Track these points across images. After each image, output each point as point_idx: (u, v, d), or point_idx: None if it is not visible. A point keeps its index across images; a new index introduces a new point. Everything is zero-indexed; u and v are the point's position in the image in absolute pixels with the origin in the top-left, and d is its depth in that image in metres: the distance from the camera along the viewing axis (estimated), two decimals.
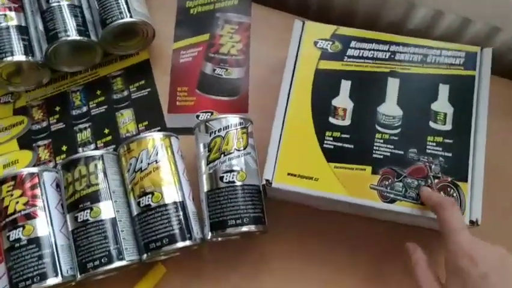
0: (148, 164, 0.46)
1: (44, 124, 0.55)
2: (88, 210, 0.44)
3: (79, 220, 0.44)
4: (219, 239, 0.46)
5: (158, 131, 0.54)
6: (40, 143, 0.54)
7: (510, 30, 0.51)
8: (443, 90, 0.45)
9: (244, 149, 0.46)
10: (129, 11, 0.51)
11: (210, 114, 0.55)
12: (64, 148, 0.53)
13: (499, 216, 0.47)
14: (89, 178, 0.45)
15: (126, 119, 0.55)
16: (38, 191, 0.45)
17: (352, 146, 0.44)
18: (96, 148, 0.53)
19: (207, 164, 0.46)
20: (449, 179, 0.42)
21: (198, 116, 0.55)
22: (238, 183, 0.45)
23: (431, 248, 0.46)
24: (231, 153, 0.46)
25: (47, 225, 0.44)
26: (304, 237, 0.48)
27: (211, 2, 0.59)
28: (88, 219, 0.44)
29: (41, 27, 0.51)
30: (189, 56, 0.58)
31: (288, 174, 0.44)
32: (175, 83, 0.57)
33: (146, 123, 0.55)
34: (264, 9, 0.58)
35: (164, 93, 0.56)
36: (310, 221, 0.49)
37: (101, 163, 0.46)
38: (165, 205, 0.44)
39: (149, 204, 0.44)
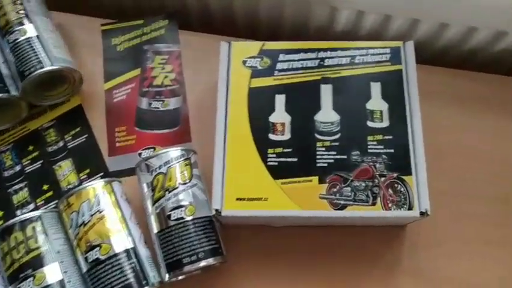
0: (91, 215, 0.43)
1: None
2: (31, 279, 0.40)
3: None
4: (179, 278, 0.44)
5: (101, 177, 0.52)
6: None
7: (429, 21, 0.53)
8: (375, 88, 0.45)
9: (190, 181, 0.45)
10: (49, 59, 0.49)
11: (152, 150, 0.53)
12: (0, 214, 0.50)
13: (448, 203, 0.48)
14: (27, 243, 0.42)
15: (65, 171, 0.52)
16: None
17: (296, 159, 0.43)
18: (36, 207, 0.50)
19: (153, 204, 0.44)
20: (395, 174, 0.42)
21: (140, 154, 0.53)
22: (187, 218, 0.43)
23: (388, 244, 0.47)
24: (175, 188, 0.44)
25: None
26: (268, 257, 0.47)
27: (137, 36, 0.58)
28: None
29: None
30: (123, 94, 0.56)
31: (237, 199, 0.42)
32: (112, 124, 0.54)
33: (87, 171, 0.52)
34: (192, 34, 0.58)
35: (102, 137, 0.54)
36: (270, 239, 0.47)
37: (40, 224, 0.43)
38: (115, 255, 0.42)
39: (98, 258, 0.42)
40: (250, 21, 0.61)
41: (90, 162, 0.52)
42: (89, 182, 0.49)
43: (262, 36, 0.63)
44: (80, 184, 0.51)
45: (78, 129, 0.54)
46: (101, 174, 0.52)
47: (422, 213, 0.40)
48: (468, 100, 0.53)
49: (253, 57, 0.47)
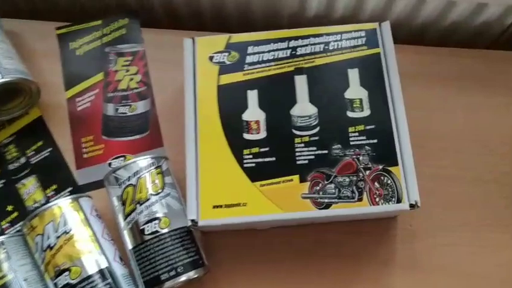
0: (57, 237, 0.40)
1: None
2: None
3: None
4: None
5: (70, 192, 0.48)
6: None
7: None
8: (353, 75, 0.42)
9: (162, 191, 0.42)
10: None
11: (122, 158, 0.49)
12: None
13: (438, 189, 0.46)
14: None
15: (30, 189, 0.48)
16: None
17: (274, 159, 0.40)
18: (1, 231, 0.46)
19: (125, 219, 0.41)
20: (380, 166, 0.39)
21: (110, 164, 0.49)
22: (163, 231, 0.40)
23: (379, 237, 0.45)
24: (147, 200, 0.41)
25: None
26: (253, 260, 0.44)
27: (96, 38, 0.54)
28: None
29: None
30: (86, 101, 0.52)
31: (214, 207, 0.39)
32: (77, 134, 0.51)
33: (54, 187, 0.48)
34: (156, 31, 0.54)
35: (68, 149, 0.50)
36: (255, 242, 0.45)
37: (3, 251, 0.40)
38: (88, 277, 0.39)
39: (69, 283, 0.39)
40: (218, 13, 0.58)
41: (57, 177, 0.49)
42: (54, 200, 0.45)
43: (233, 28, 0.60)
44: (47, 202, 0.48)
45: (40, 143, 0.50)
46: (70, 189, 0.48)
47: (411, 206, 0.38)
48: (452, 78, 0.50)
49: (220, 52, 0.44)
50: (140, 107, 0.51)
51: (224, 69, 0.43)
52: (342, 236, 0.44)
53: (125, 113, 0.51)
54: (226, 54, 0.44)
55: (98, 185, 0.48)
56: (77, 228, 0.41)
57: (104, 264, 0.40)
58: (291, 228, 0.44)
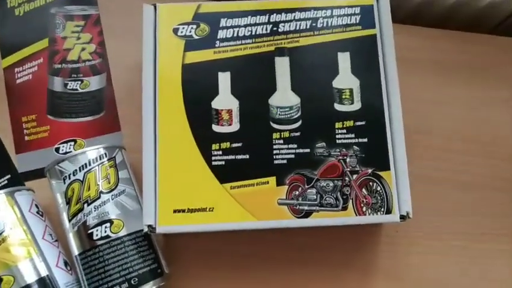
0: None
1: None
2: None
3: None
4: None
5: (8, 180, 0.41)
6: None
7: None
8: (344, 59, 0.36)
9: (115, 187, 0.36)
10: None
11: (72, 143, 0.42)
12: None
13: (429, 192, 0.41)
14: None
15: None
16: None
17: (247, 156, 0.34)
18: None
19: (69, 220, 0.35)
20: (369, 170, 0.34)
21: (57, 150, 0.42)
22: (114, 236, 0.34)
23: (363, 244, 0.41)
24: (96, 199, 0.35)
25: None
26: (222, 266, 0.39)
27: None
28: None
29: None
30: (28, 72, 0.44)
31: (175, 211, 0.33)
32: (16, 112, 0.43)
33: None
34: None
35: (5, 129, 0.43)
36: (224, 245, 0.40)
37: None
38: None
39: None
40: None
41: None
42: None
43: None
44: None
45: None
46: (8, 177, 0.42)
47: (402, 217, 0.33)
48: (451, 67, 0.44)
49: (187, 23, 0.36)
50: (94, 83, 0.44)
51: (191, 44, 0.36)
52: (321, 241, 0.40)
53: (75, 90, 0.43)
54: (194, 26, 0.36)
55: (43, 173, 0.41)
56: (11, 229, 0.35)
57: (44, 272, 0.34)
58: (265, 232, 0.39)
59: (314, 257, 0.40)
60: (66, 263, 0.37)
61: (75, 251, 0.35)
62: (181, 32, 0.36)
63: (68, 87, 0.44)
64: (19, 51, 0.44)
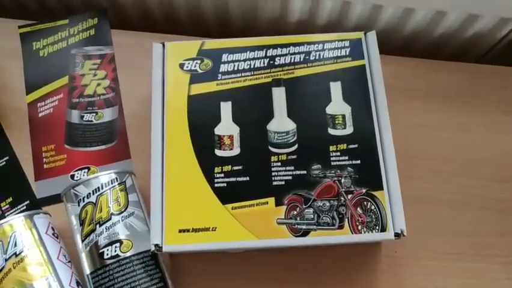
0: (6, 260, 0.36)
1: None
2: None
3: None
4: None
5: (27, 205, 0.44)
6: None
7: (392, 6, 0.46)
8: (335, 88, 0.39)
9: (125, 210, 0.38)
10: None
11: (86, 170, 0.46)
12: None
13: (425, 211, 0.43)
14: None
15: None
16: None
17: (247, 178, 0.37)
18: None
19: (82, 240, 0.37)
20: (364, 190, 0.36)
21: (72, 176, 0.45)
22: (124, 255, 0.36)
23: (362, 263, 0.42)
24: (107, 220, 0.37)
25: None
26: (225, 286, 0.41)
27: (62, 39, 0.50)
28: None
29: None
30: (49, 107, 0.48)
31: (180, 231, 0.36)
32: (37, 142, 0.47)
33: (10, 200, 0.44)
34: (127, 34, 0.50)
35: (27, 158, 0.46)
36: (226, 266, 0.41)
37: None
38: None
39: None
40: (194, 15, 0.54)
41: (13, 189, 0.45)
42: (9, 215, 0.41)
43: (210, 32, 0.56)
44: (2, 216, 0.44)
45: None
46: (27, 202, 0.44)
47: (397, 235, 0.35)
48: (440, 94, 0.47)
49: (192, 59, 0.40)
50: (107, 114, 0.47)
51: (196, 78, 0.40)
52: (321, 262, 0.41)
53: (90, 121, 0.47)
54: (199, 61, 0.40)
55: (59, 198, 0.44)
56: (29, 249, 0.37)
57: None
58: (266, 252, 0.41)
59: (315, 277, 0.41)
60: (78, 283, 0.38)
61: (87, 270, 0.38)
62: (187, 67, 0.40)
63: (84, 119, 0.47)
64: (42, 88, 0.48)
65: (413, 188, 0.40)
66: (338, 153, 0.37)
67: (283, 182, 0.37)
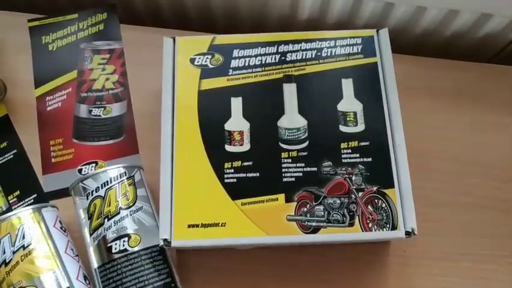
0: (13, 252, 0.36)
1: None
2: None
3: None
4: None
5: (34, 199, 0.44)
6: None
7: (404, 4, 0.46)
8: (347, 85, 0.39)
9: (134, 204, 0.38)
10: None
11: (94, 165, 0.45)
12: None
13: (435, 212, 0.42)
14: None
15: None
16: None
17: (257, 174, 0.37)
18: None
19: (91, 234, 0.37)
20: (375, 188, 0.36)
21: (80, 171, 0.45)
22: (131, 250, 0.36)
23: (371, 262, 0.41)
24: (116, 214, 0.37)
25: None
26: (233, 284, 0.41)
27: (71, 33, 0.50)
28: None
29: None
30: (57, 101, 0.48)
31: (189, 226, 0.35)
32: (45, 136, 0.46)
33: (17, 193, 0.44)
34: (136, 28, 0.50)
35: (35, 152, 0.46)
36: (234, 263, 0.41)
37: None
38: None
39: None
40: (204, 11, 0.54)
41: (20, 183, 0.45)
42: (16, 208, 0.41)
43: (219, 28, 0.56)
44: (9, 209, 0.44)
45: (5, 144, 0.46)
46: (34, 195, 0.44)
47: (408, 233, 0.34)
48: (452, 93, 0.47)
49: (203, 54, 0.40)
50: (116, 109, 0.47)
51: (206, 73, 0.40)
52: (330, 259, 0.41)
53: (99, 116, 0.47)
54: (209, 56, 0.40)
55: (66, 192, 0.43)
56: (37, 242, 0.37)
57: (64, 284, 0.36)
58: (275, 250, 0.41)
59: (324, 275, 0.41)
60: (85, 277, 0.38)
61: (95, 264, 0.37)
62: (198, 62, 0.40)
63: (92, 113, 0.47)
64: (51, 82, 0.48)
65: (420, 188, 0.40)
66: (349, 151, 0.37)
67: (293, 179, 0.36)
